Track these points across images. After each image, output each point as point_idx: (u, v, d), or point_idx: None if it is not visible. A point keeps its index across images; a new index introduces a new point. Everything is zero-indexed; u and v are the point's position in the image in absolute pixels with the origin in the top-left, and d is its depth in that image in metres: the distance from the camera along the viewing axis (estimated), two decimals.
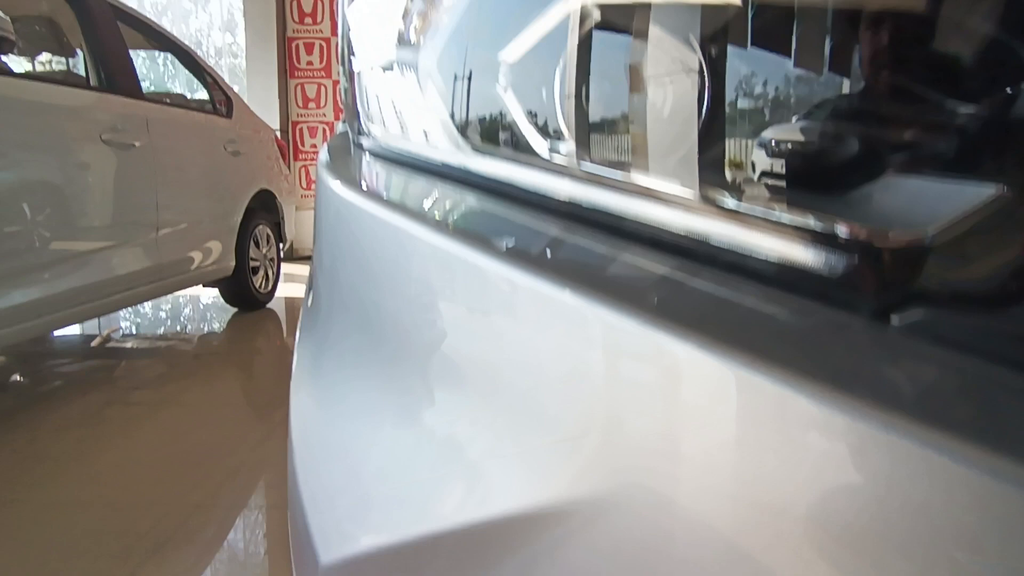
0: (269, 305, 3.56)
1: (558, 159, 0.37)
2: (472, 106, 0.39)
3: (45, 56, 2.47)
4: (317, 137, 5.32)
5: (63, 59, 2.52)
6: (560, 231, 0.35)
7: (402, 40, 0.42)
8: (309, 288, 0.48)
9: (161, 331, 3.20)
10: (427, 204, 0.38)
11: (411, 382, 0.34)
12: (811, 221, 0.29)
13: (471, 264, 0.32)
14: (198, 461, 1.69)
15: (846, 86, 0.27)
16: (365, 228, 0.39)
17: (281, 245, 3.74)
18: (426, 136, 0.41)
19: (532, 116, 0.38)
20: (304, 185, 5.34)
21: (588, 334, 0.28)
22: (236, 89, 4.30)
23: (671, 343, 0.24)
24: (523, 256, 0.32)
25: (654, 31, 0.33)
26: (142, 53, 3.75)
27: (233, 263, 3.13)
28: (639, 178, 0.34)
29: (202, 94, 3.29)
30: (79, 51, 2.41)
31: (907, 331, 0.26)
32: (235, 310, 3.42)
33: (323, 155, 0.53)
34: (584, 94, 0.37)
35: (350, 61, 0.49)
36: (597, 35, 0.36)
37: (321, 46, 5.20)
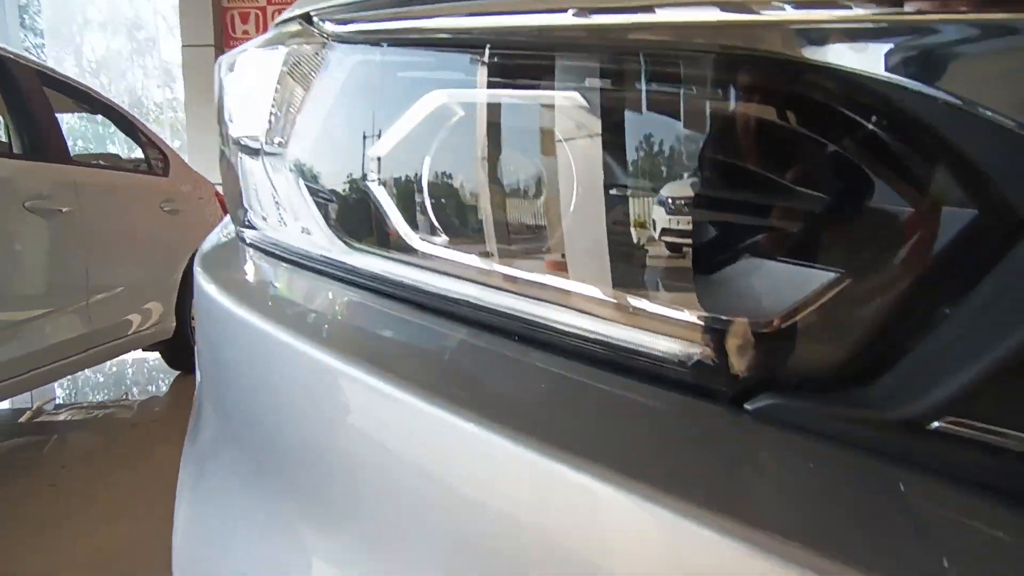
0: None
1: (430, 251, 0.37)
2: (343, 200, 0.39)
3: None
4: None
5: None
6: (427, 325, 0.35)
7: (275, 128, 0.42)
8: (197, 392, 0.47)
9: (99, 398, 3.04)
10: (302, 309, 0.37)
11: (290, 503, 0.33)
12: (665, 310, 0.30)
13: (350, 382, 0.31)
14: (127, 558, 1.59)
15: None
16: (240, 337, 0.38)
17: None
18: (301, 230, 0.41)
19: (403, 209, 0.38)
20: None
21: (471, 448, 0.27)
22: (177, 145, 4.19)
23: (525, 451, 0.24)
24: (391, 368, 0.31)
25: (509, 129, 0.34)
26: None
27: (174, 324, 3.03)
28: (504, 269, 0.34)
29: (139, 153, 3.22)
30: (1, 119, 2.33)
31: (760, 416, 0.27)
32: (179, 372, 3.29)
33: (203, 247, 0.51)
34: (451, 190, 0.37)
35: (229, 139, 0.49)
36: (463, 127, 0.37)
37: None
